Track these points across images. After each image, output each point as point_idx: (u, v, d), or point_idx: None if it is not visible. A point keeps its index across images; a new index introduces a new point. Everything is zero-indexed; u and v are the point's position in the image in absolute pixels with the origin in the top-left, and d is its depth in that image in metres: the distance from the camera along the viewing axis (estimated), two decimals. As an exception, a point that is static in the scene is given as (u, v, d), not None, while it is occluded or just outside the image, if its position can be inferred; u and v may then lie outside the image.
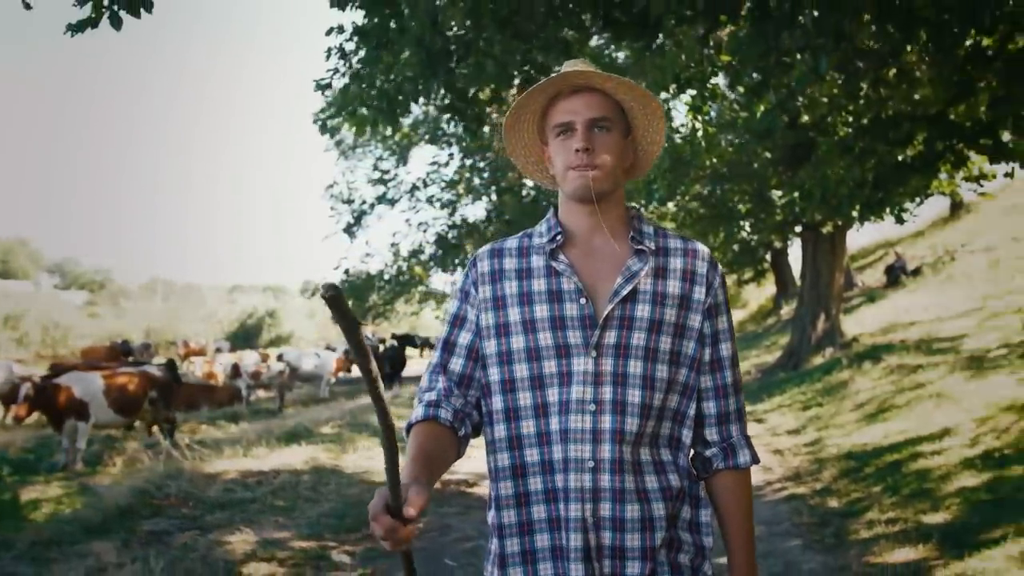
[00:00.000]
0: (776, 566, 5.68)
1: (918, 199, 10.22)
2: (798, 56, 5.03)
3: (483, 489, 8.61)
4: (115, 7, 3.48)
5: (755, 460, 2.04)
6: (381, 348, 33.17)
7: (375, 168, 31.11)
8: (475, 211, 31.49)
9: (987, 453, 7.23)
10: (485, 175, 29.44)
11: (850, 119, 6.93)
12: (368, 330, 45.31)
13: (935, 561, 5.33)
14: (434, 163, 30.56)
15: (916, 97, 7.06)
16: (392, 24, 5.52)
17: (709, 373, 2.01)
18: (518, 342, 1.96)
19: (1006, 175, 7.51)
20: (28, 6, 3.27)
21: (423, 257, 31.58)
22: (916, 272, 22.80)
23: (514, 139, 2.11)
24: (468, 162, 30.13)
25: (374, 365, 1.44)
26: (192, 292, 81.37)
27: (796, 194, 10.67)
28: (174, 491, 7.87)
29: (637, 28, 5.69)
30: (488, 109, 7.07)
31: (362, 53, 6.37)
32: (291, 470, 8.85)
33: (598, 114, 1.95)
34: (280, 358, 23.96)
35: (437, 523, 7.20)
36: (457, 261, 31.18)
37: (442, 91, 6.03)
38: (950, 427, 8.34)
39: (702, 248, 2.06)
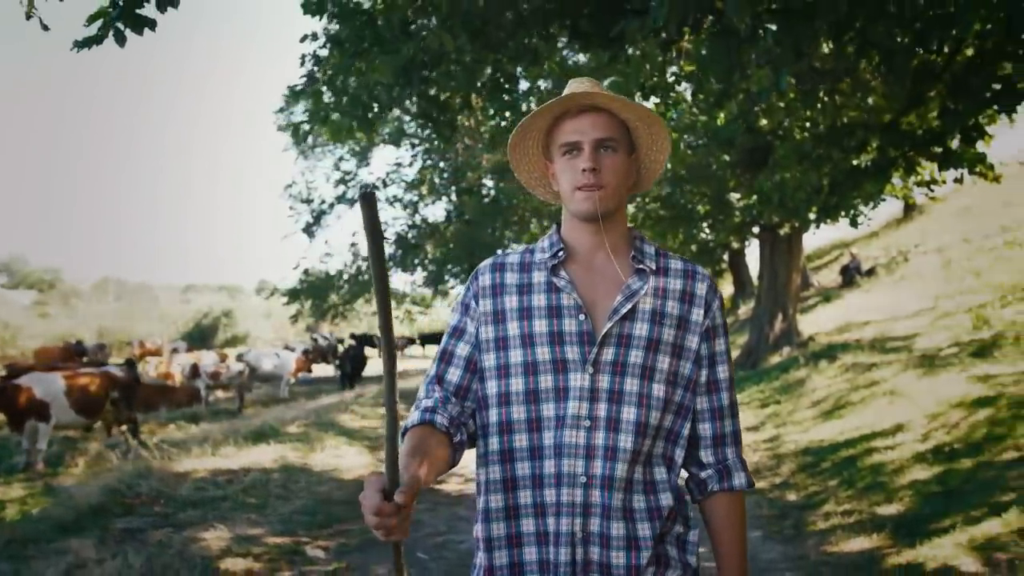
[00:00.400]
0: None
1: (872, 203, 10.54)
2: (759, 69, 5.28)
3: (450, 486, 8.76)
4: (120, 25, 3.60)
5: (750, 483, 2.05)
6: (340, 348, 33.13)
7: (337, 168, 31.03)
8: (435, 211, 31.56)
9: (938, 447, 7.52)
10: (445, 175, 29.49)
11: (807, 125, 7.20)
12: (325, 329, 45.13)
13: (889, 549, 5.59)
14: (398, 164, 30.55)
15: (870, 102, 7.33)
16: (367, 34, 5.66)
17: (705, 395, 2.03)
18: (516, 356, 1.97)
19: (956, 180, 7.83)
20: (45, 27, 3.37)
21: (383, 257, 31.58)
22: (870, 272, 23.26)
23: (518, 156, 2.14)
24: (428, 162, 30.15)
25: (389, 285, 1.52)
26: (145, 292, 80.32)
27: (755, 198, 10.97)
28: (145, 490, 7.93)
29: (603, 39, 5.88)
30: (459, 116, 7.22)
31: (333, 60, 6.51)
32: (260, 468, 8.93)
33: (604, 135, 1.97)
34: (240, 358, 23.86)
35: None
36: (416, 261, 31.20)
37: (416, 98, 6.17)
38: (903, 423, 8.65)
39: (702, 271, 2.08)
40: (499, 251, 30.17)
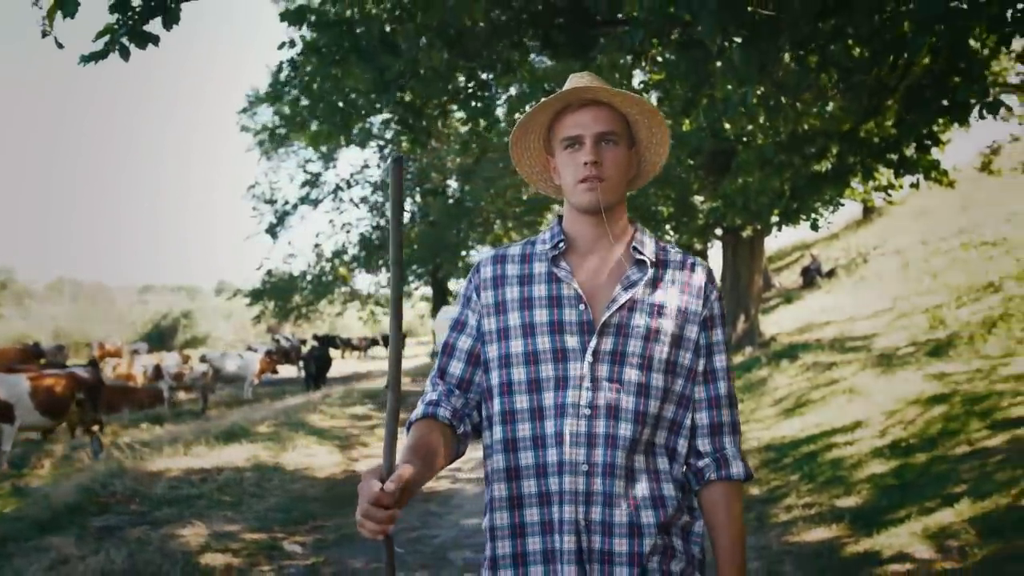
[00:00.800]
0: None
1: (832, 207, 10.87)
2: (728, 87, 5.53)
3: (422, 483, 8.89)
4: (124, 41, 3.73)
5: (748, 473, 2.05)
6: (304, 349, 33.05)
7: (304, 171, 30.96)
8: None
9: (895, 443, 7.80)
10: (410, 177, 29.55)
11: (770, 132, 7.45)
12: (287, 331, 44.95)
13: (847, 539, 5.84)
14: (365, 165, 30.55)
15: (828, 108, 7.60)
16: (345, 43, 5.81)
17: (703, 384, 2.04)
18: (517, 346, 1.99)
19: (912, 186, 8.16)
20: (60, 46, 3.48)
21: (346, 258, 31.50)
22: (830, 274, 23.65)
23: (520, 151, 2.15)
24: (314, 147, 29.98)
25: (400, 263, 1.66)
26: (101, 292, 79.39)
27: (719, 201, 11.24)
28: (120, 488, 8.01)
29: (574, 48, 6.08)
30: (435, 122, 7.38)
31: (311, 67, 6.64)
32: (233, 467, 9.03)
33: (606, 128, 1.99)
34: (203, 359, 23.79)
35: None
36: (381, 262, 31.25)
37: (393, 105, 6.32)
38: (861, 420, 8.93)
39: (701, 262, 2.10)
40: (475, 248, 30.16)
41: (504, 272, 2.08)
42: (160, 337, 56.68)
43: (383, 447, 1.67)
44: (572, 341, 1.95)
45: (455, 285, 35.14)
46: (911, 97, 5.71)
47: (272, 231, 32.06)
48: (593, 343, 1.94)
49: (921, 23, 4.09)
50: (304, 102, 6.88)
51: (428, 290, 34.10)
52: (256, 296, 32.33)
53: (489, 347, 2.04)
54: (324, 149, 29.40)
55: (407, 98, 6.31)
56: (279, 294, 32.20)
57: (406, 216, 31.25)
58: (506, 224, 28.57)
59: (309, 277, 31.91)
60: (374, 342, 44.19)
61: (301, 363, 28.33)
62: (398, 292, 1.69)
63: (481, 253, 32.96)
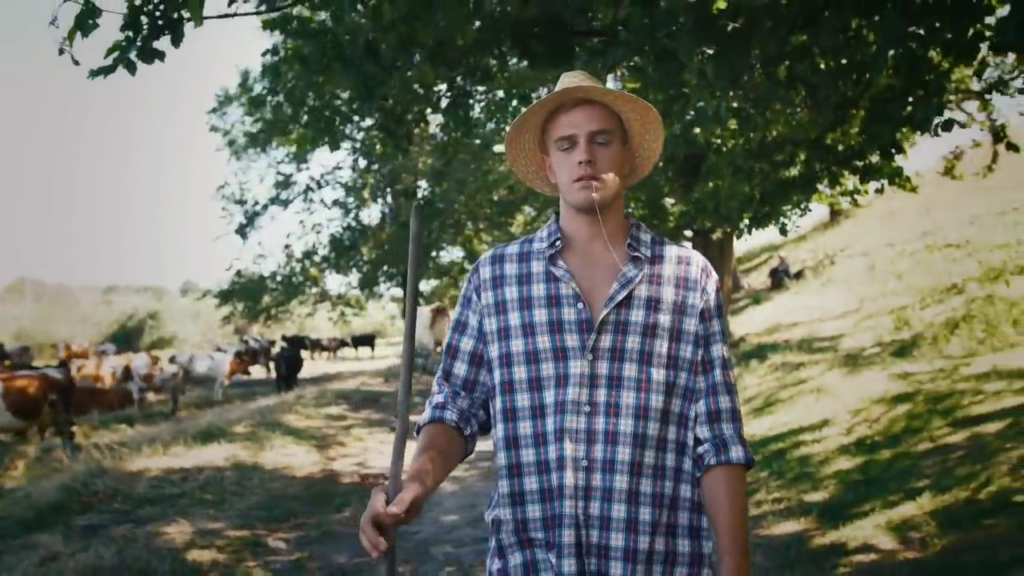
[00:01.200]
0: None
1: (800, 212, 11.14)
2: (700, 100, 5.78)
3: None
4: (131, 56, 3.87)
5: (749, 458, 2.02)
6: (274, 350, 32.97)
7: (277, 173, 30.88)
8: (370, 213, 31.57)
9: (860, 440, 8.06)
10: (382, 178, 29.58)
11: (740, 140, 7.68)
12: (255, 331, 44.79)
13: (815, 532, 6.07)
14: (338, 167, 30.52)
15: (796, 117, 7.86)
16: (330, 52, 5.95)
17: (701, 373, 2.04)
18: (518, 345, 2.02)
19: (877, 191, 8.45)
20: (76, 62, 3.62)
21: (316, 259, 31.46)
22: (798, 275, 23.97)
23: (515, 150, 2.17)
24: (364, 164, 30.17)
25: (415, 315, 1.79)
26: (64, 293, 78.44)
27: (690, 205, 11.50)
28: (101, 488, 8.11)
29: (551, 57, 6.26)
30: (416, 128, 7.53)
31: (292, 74, 6.77)
32: (213, 467, 9.14)
33: (599, 127, 2.00)
34: (173, 360, 23.71)
35: (363, 512, 7.63)
36: (352, 263, 31.26)
37: (375, 112, 6.48)
38: (828, 418, 9.21)
39: (696, 255, 2.13)
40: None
41: (503, 272, 2.10)
42: (126, 338, 56.16)
43: (391, 466, 1.72)
44: (571, 339, 1.98)
45: (426, 286, 35.25)
46: (875, 110, 5.99)
47: (242, 231, 31.99)
48: (592, 341, 1.96)
49: (882, 45, 4.34)
50: (287, 109, 7.00)
51: (399, 291, 34.09)
52: (225, 297, 32.24)
53: (491, 347, 2.07)
54: (294, 149, 29.38)
55: (388, 105, 6.48)
56: (249, 295, 32.11)
57: (376, 217, 31.32)
58: (477, 225, 28.71)
59: (279, 278, 31.81)
60: (343, 343, 44.14)
61: (272, 364, 28.27)
62: (411, 327, 1.76)
63: (451, 253, 32.86)
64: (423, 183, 29.65)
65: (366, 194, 30.29)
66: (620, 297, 1.99)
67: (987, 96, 7.15)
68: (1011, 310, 11.42)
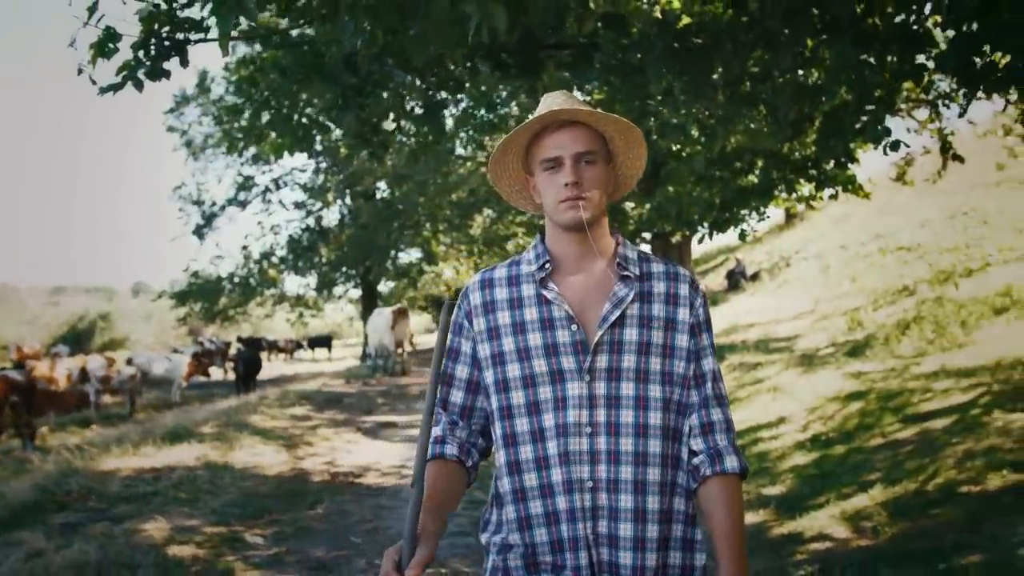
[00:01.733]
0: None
1: (758, 217, 11.53)
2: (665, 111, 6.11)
3: (368, 479, 9.27)
4: (140, 75, 4.06)
5: (744, 467, 2.05)
6: (231, 351, 32.80)
7: (238, 174, 30.74)
8: (330, 214, 31.56)
9: (815, 437, 8.41)
10: (340, 178, 29.58)
11: (702, 150, 8.02)
12: (209, 333, 44.48)
13: (773, 522, 6.39)
14: (302, 169, 30.48)
15: (755, 125, 8.21)
16: (308, 63, 6.14)
17: (694, 387, 2.06)
18: (514, 370, 2.02)
19: (831, 197, 8.85)
20: (93, 81, 3.79)
21: (274, 259, 31.36)
22: (755, 277, 24.38)
23: (499, 170, 2.17)
24: (323, 165, 30.19)
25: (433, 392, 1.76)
26: (9, 294, 77.03)
27: (649, 207, 11.85)
28: (75, 487, 8.20)
29: (521, 70, 6.50)
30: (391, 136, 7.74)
31: (271, 83, 6.94)
32: (185, 467, 9.25)
33: (585, 148, 2.00)
34: (130, 362, 23.55)
35: (336, 509, 7.84)
36: (310, 265, 31.23)
37: (352, 121, 6.69)
38: (785, 416, 9.56)
39: (683, 271, 2.14)
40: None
41: (493, 297, 2.10)
42: (77, 339, 55.21)
43: (405, 529, 1.72)
44: (567, 361, 1.99)
45: (384, 287, 35.31)
46: (830, 124, 6.35)
47: (199, 232, 31.82)
48: (588, 362, 1.98)
49: (836, 71, 4.70)
50: (263, 117, 7.15)
51: (357, 292, 34.13)
52: (182, 298, 32.02)
53: (486, 373, 2.07)
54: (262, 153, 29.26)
55: (364, 114, 6.68)
56: (206, 296, 31.90)
57: (335, 218, 31.33)
58: (436, 226, 28.86)
59: (237, 279, 31.65)
60: (299, 345, 44.03)
61: (231, 365, 28.16)
62: (428, 417, 1.76)
63: (410, 254, 32.88)
64: (382, 184, 29.75)
65: (330, 196, 30.29)
66: (613, 317, 2.00)
67: (934, 110, 7.55)
68: (959, 312, 11.85)
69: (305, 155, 29.76)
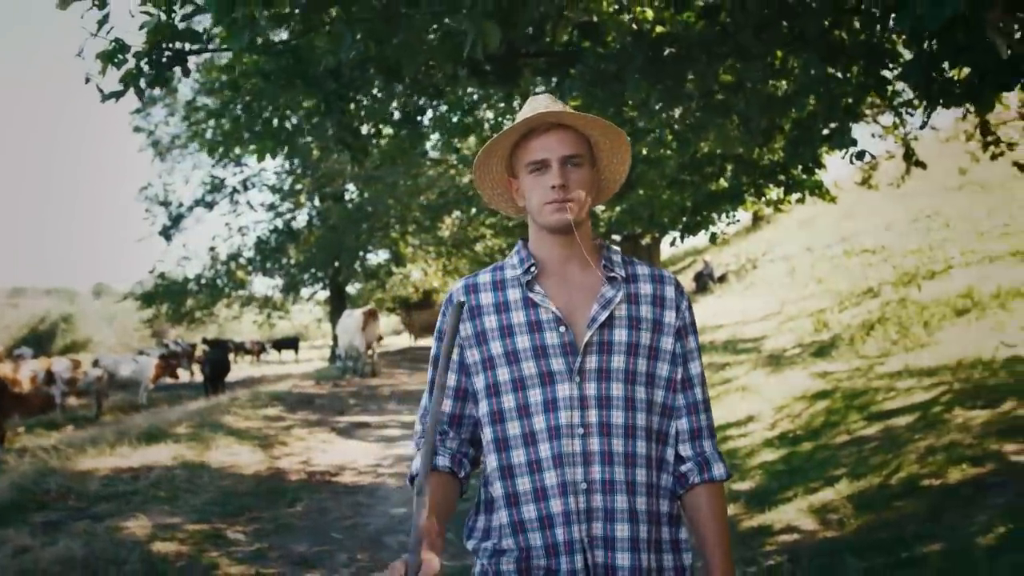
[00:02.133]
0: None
1: (728, 220, 11.79)
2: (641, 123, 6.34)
3: (344, 478, 9.40)
4: (142, 85, 4.18)
5: (728, 473, 2.09)
6: (197, 353, 32.57)
7: (210, 175, 30.56)
8: (299, 216, 31.47)
9: (783, 434, 8.65)
10: (311, 180, 29.51)
11: (675, 156, 8.25)
12: (172, 335, 44.13)
13: (743, 516, 6.60)
14: (277, 171, 30.33)
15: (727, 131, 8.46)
16: (291, 70, 6.26)
17: (681, 391, 2.08)
18: (503, 374, 2.01)
19: (798, 201, 9.14)
20: (100, 90, 3.90)
21: (242, 261, 31.21)
22: (722, 279, 24.64)
23: (482, 173, 2.16)
24: (293, 167, 30.10)
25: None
26: (-33, 296, 75.89)
27: (621, 210, 12.08)
28: (54, 487, 8.26)
29: (499, 77, 6.67)
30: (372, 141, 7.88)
31: (252, 87, 7.05)
32: (162, 466, 9.32)
33: (571, 151, 2.01)
34: (96, 364, 23.40)
35: (315, 507, 7.97)
36: (279, 266, 31.13)
37: (334, 127, 6.82)
38: (753, 414, 9.81)
39: (668, 274, 2.15)
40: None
41: (479, 302, 2.09)
42: (38, 341, 54.38)
43: (411, 537, 1.67)
44: (557, 364, 1.99)
45: (353, 289, 35.27)
46: (798, 132, 6.61)
47: (166, 233, 31.59)
48: (578, 363, 1.98)
49: (804, 85, 4.94)
50: (245, 121, 7.25)
51: (325, 294, 34.03)
52: (148, 299, 31.75)
53: (475, 378, 2.06)
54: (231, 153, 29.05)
55: (347, 120, 6.82)
56: (172, 297, 31.67)
57: (304, 220, 31.25)
58: (405, 227, 28.91)
59: (204, 280, 31.46)
60: (263, 347, 43.90)
61: (196, 367, 28.03)
62: (436, 417, 1.71)
63: (378, 256, 32.83)
64: (351, 186, 29.75)
65: (303, 198, 30.22)
66: (602, 318, 2.01)
67: (898, 115, 7.82)
68: (922, 313, 12.16)
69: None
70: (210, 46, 4.98)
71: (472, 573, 2.07)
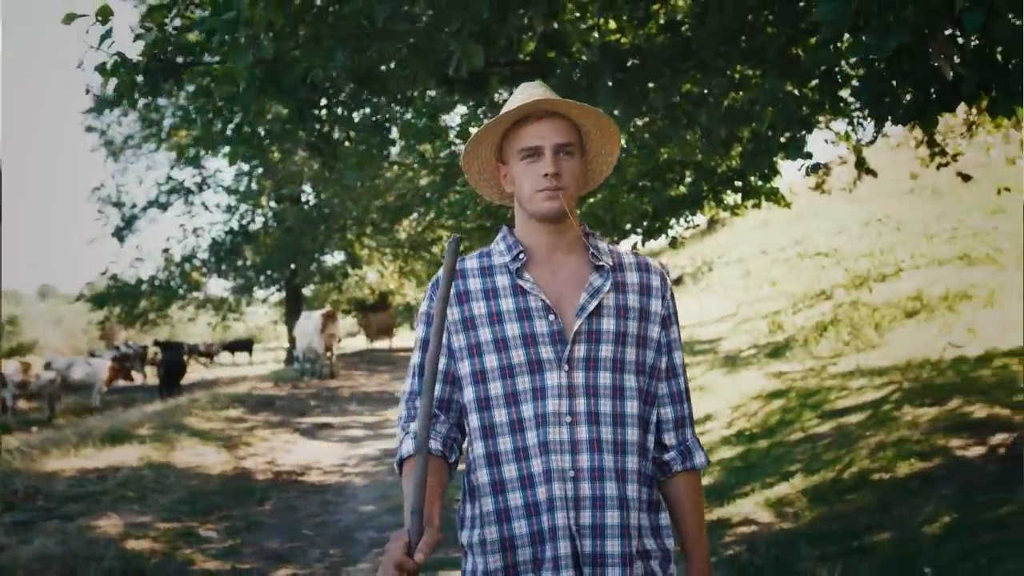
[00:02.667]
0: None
1: (687, 225, 12.07)
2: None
3: (311, 477, 9.53)
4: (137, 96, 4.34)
5: (708, 461, 2.13)
6: (150, 355, 32.20)
7: (168, 177, 30.25)
8: (255, 217, 31.25)
9: (740, 432, 8.95)
10: (264, 181, 29.37)
11: (637, 163, 8.51)
12: (122, 337, 43.52)
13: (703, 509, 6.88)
14: (238, 171, 30.08)
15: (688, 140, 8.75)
16: (264, 77, 6.39)
17: (665, 380, 2.09)
18: (491, 361, 2.00)
19: (754, 206, 9.47)
20: (103, 98, 4.02)
21: (196, 262, 30.92)
22: (678, 281, 24.87)
23: (471, 158, 2.15)
24: (246, 167, 29.89)
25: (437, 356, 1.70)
26: (-92, 299, 74.07)
27: (581, 214, 12.37)
28: (20, 487, 8.29)
29: (468, 87, 6.86)
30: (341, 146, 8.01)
31: (225, 93, 7.16)
32: (128, 467, 9.37)
33: (564, 140, 2.01)
34: (49, 366, 23.13)
35: (284, 505, 8.11)
36: (234, 268, 30.90)
37: (306, 134, 6.96)
38: (711, 413, 10.11)
39: (653, 263, 2.16)
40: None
41: (467, 287, 2.07)
42: (-22, 343, 53.37)
43: (412, 505, 1.66)
44: (546, 351, 1.98)
45: (308, 290, 35.11)
46: (756, 143, 6.91)
47: (119, 234, 31.18)
48: (566, 352, 1.98)
49: (764, 102, 5.22)
50: (217, 126, 7.35)
51: (280, 295, 33.80)
52: (100, 301, 31.24)
53: (460, 363, 2.05)
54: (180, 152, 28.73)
55: (317, 126, 6.97)
56: (125, 299, 31.25)
57: (259, 222, 31.05)
58: (363, 229, 28.87)
59: (157, 282, 31.10)
60: (215, 349, 43.53)
61: (156, 369, 27.77)
62: (432, 372, 1.69)
63: (334, 257, 32.64)
64: (307, 187, 29.68)
65: (264, 200, 30.03)
66: (591, 307, 2.00)
67: (850, 125, 8.17)
68: (873, 315, 12.55)
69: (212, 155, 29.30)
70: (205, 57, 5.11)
71: (464, 568, 2.06)
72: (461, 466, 2.10)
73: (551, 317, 1.99)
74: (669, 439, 2.08)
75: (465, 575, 2.03)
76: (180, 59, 4.44)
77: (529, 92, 2.06)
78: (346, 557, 6.43)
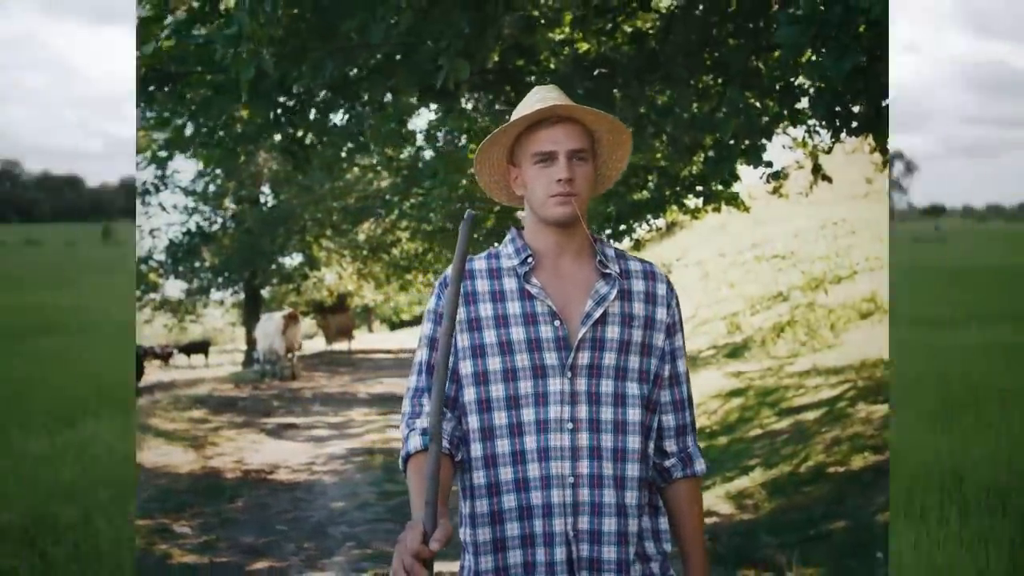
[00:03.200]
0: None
1: (649, 228, 12.30)
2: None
3: (280, 476, 9.64)
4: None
5: (707, 467, 2.15)
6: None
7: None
8: (213, 219, 30.92)
9: (700, 429, 9.11)
10: (227, 183, 29.18)
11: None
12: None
13: (667, 503, 7.14)
14: (200, 173, 29.80)
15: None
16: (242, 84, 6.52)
17: (668, 388, 2.10)
18: (495, 363, 1.99)
19: (714, 210, 9.77)
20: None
21: (152, 263, 30.58)
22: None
23: (483, 160, 2.13)
24: (206, 168, 29.63)
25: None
26: None
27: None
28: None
29: (439, 93, 7.03)
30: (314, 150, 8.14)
31: (200, 98, 7.26)
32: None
33: (578, 146, 1.99)
34: None
35: (255, 502, 8.24)
36: (192, 270, 30.60)
37: (280, 139, 7.10)
38: (671, 412, 10.39)
39: (659, 271, 2.15)
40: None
41: (474, 288, 2.05)
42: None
43: (427, 497, 1.63)
44: (550, 357, 1.97)
45: (267, 292, 34.84)
46: (718, 150, 7.19)
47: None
48: (570, 359, 1.96)
49: (728, 113, 5.49)
50: (190, 130, 7.41)
51: (238, 297, 33.49)
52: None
53: (463, 363, 2.03)
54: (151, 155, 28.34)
55: (291, 131, 7.11)
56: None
57: (218, 224, 30.77)
58: (323, 230, 28.80)
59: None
60: (171, 351, 43.02)
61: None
62: (445, 358, 1.66)
63: (293, 259, 32.40)
64: (266, 188, 29.56)
65: (227, 201, 29.79)
66: (597, 315, 1.99)
67: (807, 132, 8.49)
68: (829, 316, 12.88)
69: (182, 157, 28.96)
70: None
71: (461, 565, 2.04)
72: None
73: (556, 323, 1.98)
74: (670, 446, 2.09)
75: (462, 570, 2.04)
76: (173, 69, 4.56)
77: (543, 96, 2.06)
78: (320, 551, 6.58)
